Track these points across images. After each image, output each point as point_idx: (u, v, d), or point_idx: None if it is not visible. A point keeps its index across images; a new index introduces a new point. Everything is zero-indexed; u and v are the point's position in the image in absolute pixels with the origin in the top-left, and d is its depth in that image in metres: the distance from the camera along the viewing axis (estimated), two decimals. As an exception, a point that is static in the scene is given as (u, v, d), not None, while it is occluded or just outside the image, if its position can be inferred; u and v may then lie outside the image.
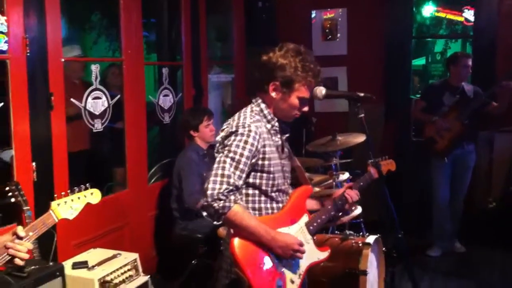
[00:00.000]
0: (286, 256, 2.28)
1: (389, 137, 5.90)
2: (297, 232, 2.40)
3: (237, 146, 2.21)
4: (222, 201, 2.13)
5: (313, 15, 6.26)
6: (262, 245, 2.24)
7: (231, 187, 2.15)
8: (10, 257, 1.91)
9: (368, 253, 3.44)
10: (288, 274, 2.32)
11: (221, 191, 2.13)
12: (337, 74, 6.10)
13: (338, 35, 6.18)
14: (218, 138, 2.34)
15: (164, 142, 5.25)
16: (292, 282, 2.34)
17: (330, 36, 6.20)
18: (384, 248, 3.74)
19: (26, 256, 1.95)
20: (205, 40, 5.24)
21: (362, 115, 2.43)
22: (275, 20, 6.20)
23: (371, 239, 3.56)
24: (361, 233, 3.80)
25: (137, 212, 4.30)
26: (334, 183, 3.86)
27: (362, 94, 2.45)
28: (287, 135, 2.48)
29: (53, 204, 2.12)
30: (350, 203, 2.64)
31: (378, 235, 3.67)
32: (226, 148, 2.23)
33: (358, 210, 3.72)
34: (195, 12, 5.05)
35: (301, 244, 2.31)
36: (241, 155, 2.20)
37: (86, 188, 2.25)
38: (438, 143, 4.94)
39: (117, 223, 4.08)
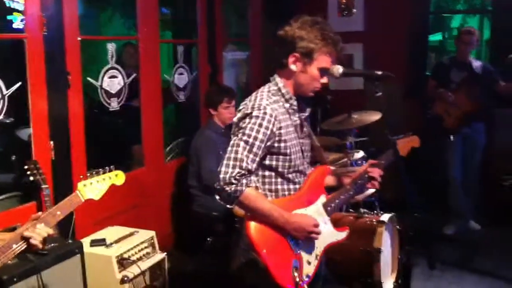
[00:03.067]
0: (301, 238, 2.29)
1: (407, 115, 5.84)
2: (314, 213, 2.39)
3: (252, 129, 2.20)
4: (234, 185, 2.14)
5: (329, -10, 6.17)
6: (278, 227, 2.25)
7: (243, 171, 2.16)
8: (26, 246, 1.94)
9: (383, 231, 3.45)
10: (305, 256, 2.33)
11: (233, 175, 2.14)
12: (352, 51, 6.03)
13: (354, 10, 6.10)
14: (235, 119, 2.33)
15: (180, 121, 5.27)
16: (309, 263, 2.35)
17: (346, 12, 6.13)
18: (398, 227, 3.75)
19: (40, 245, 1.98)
20: (220, 18, 5.21)
21: (380, 93, 2.40)
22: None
23: (385, 217, 3.57)
24: (375, 212, 3.80)
25: (154, 190, 4.35)
26: (348, 161, 3.86)
27: (380, 73, 2.41)
28: (306, 114, 2.45)
29: (80, 184, 2.16)
30: (378, 180, 2.57)
31: (393, 213, 3.68)
32: (241, 131, 2.22)
33: (371, 189, 3.71)
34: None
35: (316, 225, 2.30)
36: (255, 138, 2.19)
37: (110, 170, 2.29)
38: (445, 120, 4.91)
39: (134, 200, 4.14)
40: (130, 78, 4.05)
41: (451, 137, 4.88)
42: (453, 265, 4.46)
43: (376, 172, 2.56)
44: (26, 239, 1.93)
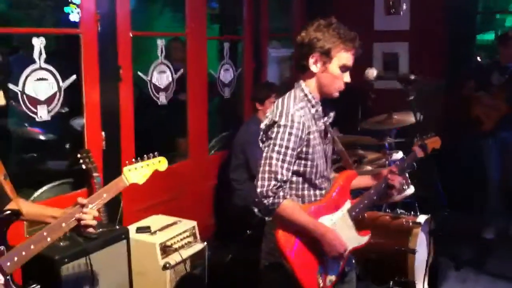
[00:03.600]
0: (329, 255, 2.33)
1: (449, 114, 5.81)
2: (339, 218, 2.43)
3: (282, 139, 2.24)
4: (271, 198, 2.20)
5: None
6: (306, 238, 2.30)
7: (279, 183, 2.22)
8: (75, 225, 2.08)
9: (418, 232, 3.50)
10: (330, 262, 2.38)
11: (270, 187, 2.20)
12: (398, 50, 6.03)
13: (401, 8, 6.07)
14: (262, 125, 2.37)
15: (224, 115, 5.40)
16: (333, 269, 2.40)
17: (393, 10, 6.10)
18: (431, 227, 3.78)
19: (95, 222, 2.13)
20: (266, 14, 5.30)
21: (412, 97, 2.44)
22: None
23: (422, 218, 3.60)
24: (412, 212, 3.83)
25: (197, 181, 4.49)
26: (386, 162, 3.89)
27: (413, 77, 2.46)
28: (330, 119, 2.48)
29: (125, 169, 2.25)
30: (397, 187, 2.61)
31: (429, 215, 3.70)
32: (272, 142, 2.26)
33: (411, 189, 3.74)
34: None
35: (345, 250, 2.35)
36: (287, 147, 2.24)
37: (154, 156, 2.37)
38: (484, 123, 4.88)
39: (178, 191, 4.28)
40: (178, 74, 4.19)
41: (490, 141, 4.86)
42: (487, 270, 4.45)
43: (396, 180, 2.59)
44: (78, 220, 2.07)
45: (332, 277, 2.41)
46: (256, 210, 2.29)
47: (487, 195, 5.08)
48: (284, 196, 2.25)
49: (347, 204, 2.50)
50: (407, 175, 3.91)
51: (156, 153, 2.38)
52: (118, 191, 2.24)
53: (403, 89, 2.44)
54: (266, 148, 2.29)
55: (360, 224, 2.55)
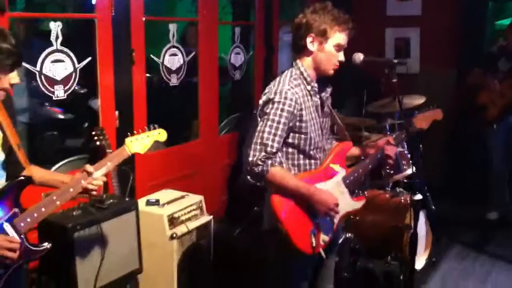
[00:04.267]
0: (322, 212, 2.50)
1: (460, 103, 5.86)
2: (333, 185, 2.62)
3: (275, 114, 2.45)
4: (260, 166, 2.42)
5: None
6: (299, 201, 2.49)
7: (268, 155, 2.43)
8: (84, 191, 2.29)
9: (415, 210, 3.63)
10: (322, 224, 2.56)
11: (260, 157, 2.42)
12: (409, 35, 6.11)
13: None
14: (260, 101, 2.58)
15: (234, 98, 5.57)
16: (326, 230, 2.58)
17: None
18: (433, 207, 3.92)
19: (96, 187, 2.33)
20: (277, 1, 5.41)
21: (395, 80, 2.59)
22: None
23: (419, 196, 3.72)
24: (411, 191, 3.95)
25: (207, 160, 4.69)
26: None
27: (396, 61, 2.61)
28: (328, 94, 2.68)
29: (127, 140, 2.44)
30: (392, 157, 2.79)
31: (428, 194, 3.84)
32: (265, 117, 2.48)
33: (410, 170, 3.87)
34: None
35: (336, 205, 2.51)
36: (278, 122, 2.45)
37: (154, 128, 2.55)
38: (489, 109, 4.94)
39: (189, 169, 4.49)
40: (190, 56, 4.38)
41: (494, 126, 4.92)
42: (488, 249, 4.57)
43: (391, 150, 2.78)
44: (84, 187, 2.28)
45: (325, 237, 2.58)
46: (248, 177, 2.49)
47: (492, 181, 5.16)
48: (272, 164, 2.44)
49: (342, 172, 2.68)
50: (408, 155, 4.05)
51: (156, 125, 2.55)
52: (121, 160, 2.43)
53: (387, 73, 2.58)
54: (261, 122, 2.50)
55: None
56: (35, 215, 2.20)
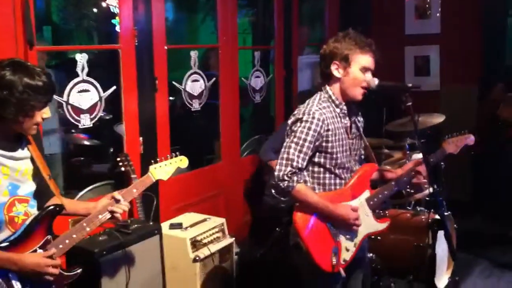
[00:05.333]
0: (343, 227, 2.61)
1: (483, 119, 5.83)
2: (357, 205, 2.69)
3: (301, 132, 2.57)
4: (286, 182, 2.52)
5: (406, -6, 6.29)
6: (322, 218, 2.59)
7: (294, 170, 2.53)
8: (110, 216, 2.42)
9: (437, 229, 3.64)
10: (344, 243, 2.66)
11: (286, 173, 2.52)
12: (429, 53, 6.15)
13: (431, 12, 6.17)
14: (289, 121, 2.69)
15: (255, 120, 5.66)
16: (347, 250, 2.67)
17: (423, 15, 6.22)
18: (455, 226, 3.91)
19: (121, 211, 2.44)
20: (297, 24, 5.50)
21: (410, 103, 2.65)
22: (368, 0, 6.33)
23: (445, 213, 3.72)
24: (432, 210, 3.96)
25: (230, 182, 4.76)
26: (407, 161, 4.05)
27: (410, 85, 2.67)
28: (358, 117, 2.80)
29: (151, 167, 2.59)
30: (420, 180, 2.88)
31: (449, 212, 3.84)
32: (293, 134, 2.59)
33: (430, 189, 3.87)
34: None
35: (356, 218, 2.62)
36: (305, 140, 2.55)
37: (176, 155, 2.71)
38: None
39: (213, 191, 4.57)
40: (211, 81, 4.49)
41: None
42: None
43: (423, 169, 2.84)
44: (111, 212, 2.40)
45: (346, 257, 2.65)
46: (273, 191, 2.58)
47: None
48: (297, 180, 2.54)
49: (366, 194, 2.77)
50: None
51: (177, 152, 2.70)
52: (146, 187, 2.57)
53: (401, 98, 2.63)
54: (288, 139, 2.61)
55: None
56: (67, 241, 2.32)
